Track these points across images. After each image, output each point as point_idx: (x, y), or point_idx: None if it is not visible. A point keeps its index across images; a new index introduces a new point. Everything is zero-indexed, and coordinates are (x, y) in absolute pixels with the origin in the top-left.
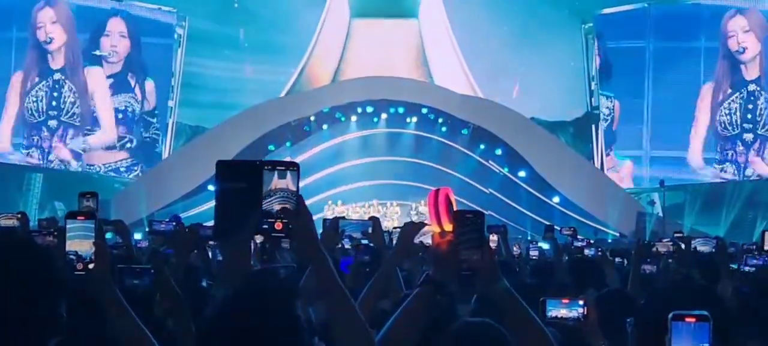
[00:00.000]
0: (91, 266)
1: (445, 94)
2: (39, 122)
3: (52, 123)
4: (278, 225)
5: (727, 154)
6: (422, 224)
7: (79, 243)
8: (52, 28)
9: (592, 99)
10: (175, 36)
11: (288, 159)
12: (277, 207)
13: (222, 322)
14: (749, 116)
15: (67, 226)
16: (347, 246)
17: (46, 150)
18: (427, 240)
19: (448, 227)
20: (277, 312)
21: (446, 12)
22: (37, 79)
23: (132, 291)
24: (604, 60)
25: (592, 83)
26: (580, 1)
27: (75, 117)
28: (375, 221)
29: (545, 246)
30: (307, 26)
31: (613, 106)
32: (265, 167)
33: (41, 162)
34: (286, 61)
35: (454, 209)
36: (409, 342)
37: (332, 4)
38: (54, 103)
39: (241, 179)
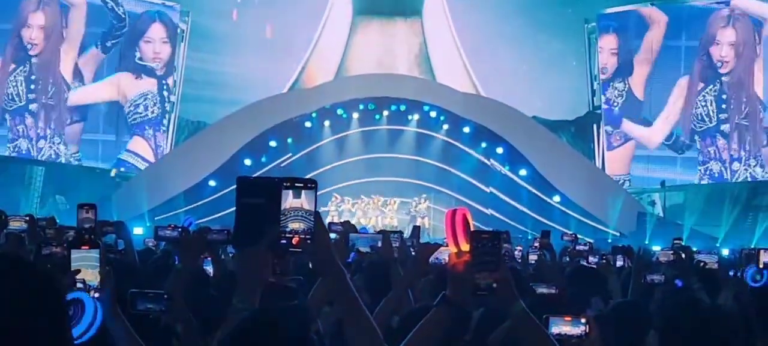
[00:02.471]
0: (97, 294)
1: (446, 92)
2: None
3: (33, 106)
4: (296, 240)
5: (710, 152)
6: (437, 246)
7: (85, 273)
8: (37, 33)
9: (594, 98)
10: (178, 31)
11: (303, 175)
12: (294, 224)
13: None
14: (724, 106)
15: (72, 255)
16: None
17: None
18: (443, 258)
19: (465, 247)
20: (292, 340)
21: (449, 10)
22: (13, 66)
23: (144, 315)
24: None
25: (595, 83)
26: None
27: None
28: (384, 235)
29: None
30: (310, 23)
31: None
32: (284, 185)
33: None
34: (289, 57)
35: (471, 229)
36: None
37: (336, 1)
38: (31, 86)
39: (260, 195)
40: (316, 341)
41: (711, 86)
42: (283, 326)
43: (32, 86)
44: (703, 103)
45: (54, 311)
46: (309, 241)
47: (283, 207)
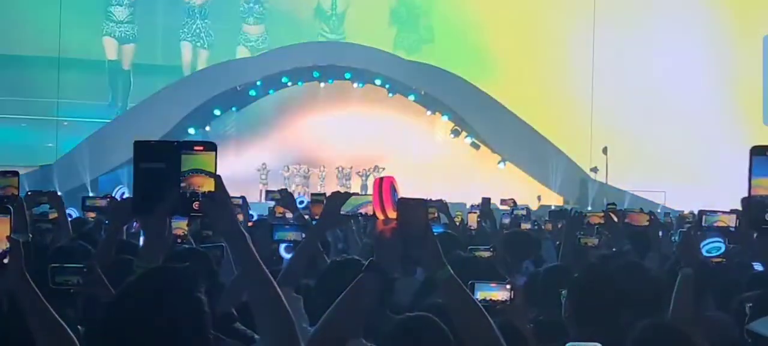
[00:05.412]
0: (5, 260)
1: (391, 60)
2: None
3: None
4: (195, 205)
5: None
6: (347, 195)
7: None
8: None
9: None
10: None
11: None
12: (194, 187)
13: (117, 310)
14: None
15: None
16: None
17: None
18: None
19: (392, 214)
20: (175, 299)
21: None
22: None
23: (64, 289)
24: None
25: None
26: None
27: None
28: (309, 231)
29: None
30: None
31: None
32: (183, 148)
33: None
34: (234, 25)
35: (398, 196)
36: (352, 327)
37: None
38: None
39: (159, 159)
40: (204, 301)
41: None
42: (166, 286)
43: None
44: None
45: None
46: (210, 204)
47: (183, 169)
